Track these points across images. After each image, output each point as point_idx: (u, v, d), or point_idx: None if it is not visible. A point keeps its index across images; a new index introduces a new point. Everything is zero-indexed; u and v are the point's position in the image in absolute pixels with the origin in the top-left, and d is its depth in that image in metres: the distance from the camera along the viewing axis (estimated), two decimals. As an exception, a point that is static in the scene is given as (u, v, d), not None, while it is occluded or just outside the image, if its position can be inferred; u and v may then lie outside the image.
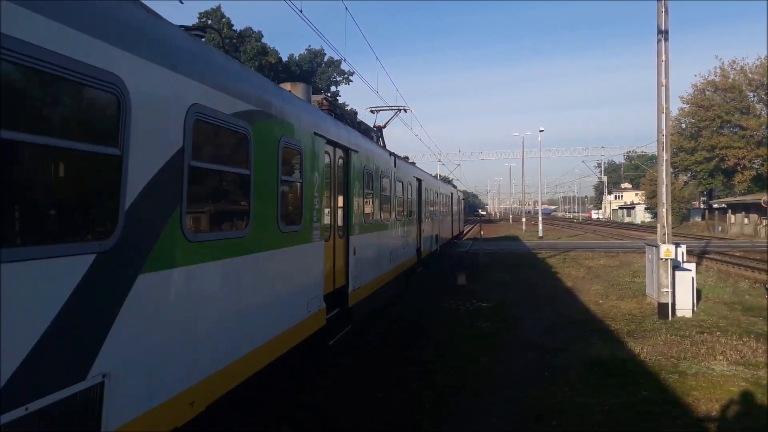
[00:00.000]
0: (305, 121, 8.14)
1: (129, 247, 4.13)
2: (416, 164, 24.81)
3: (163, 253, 4.55)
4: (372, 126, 17.66)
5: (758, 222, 54.48)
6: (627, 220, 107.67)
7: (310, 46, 74.23)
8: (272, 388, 7.59)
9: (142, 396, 4.25)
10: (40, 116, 3.62)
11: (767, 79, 60.73)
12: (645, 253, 16.98)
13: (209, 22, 58.91)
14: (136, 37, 4.30)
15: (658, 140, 15.08)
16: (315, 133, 8.50)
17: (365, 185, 11.92)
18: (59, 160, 3.77)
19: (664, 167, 14.81)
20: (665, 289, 14.14)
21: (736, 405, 8.10)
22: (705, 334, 12.29)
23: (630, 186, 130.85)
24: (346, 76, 70.32)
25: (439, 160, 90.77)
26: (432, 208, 25.34)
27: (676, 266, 14.80)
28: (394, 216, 15.49)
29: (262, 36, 61.01)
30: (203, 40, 6.06)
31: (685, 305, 14.39)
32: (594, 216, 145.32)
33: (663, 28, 14.59)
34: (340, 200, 10.21)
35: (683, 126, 69.69)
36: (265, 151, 6.57)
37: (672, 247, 14.39)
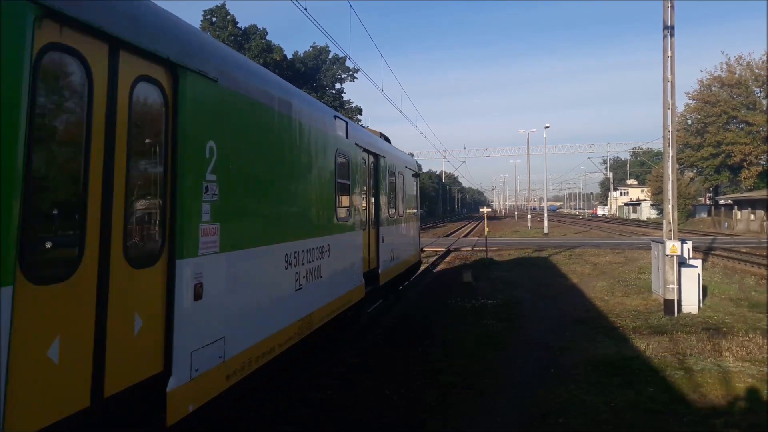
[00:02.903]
0: None
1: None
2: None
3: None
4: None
5: (765, 218, 54.21)
6: (633, 216, 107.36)
7: (315, 43, 74.36)
8: (277, 386, 7.60)
9: None
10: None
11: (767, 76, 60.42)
12: (651, 249, 16.93)
13: (214, 19, 58.96)
14: None
15: (663, 136, 15.03)
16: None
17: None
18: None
19: (669, 163, 14.76)
20: (671, 286, 14.11)
21: (742, 401, 8.08)
22: (711, 330, 12.25)
23: (636, 182, 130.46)
24: (350, 73, 70.31)
25: (444, 157, 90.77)
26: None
27: (682, 263, 14.76)
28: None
29: (267, 33, 61.06)
30: None
31: (691, 302, 14.36)
32: (599, 213, 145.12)
33: (669, 23, 14.52)
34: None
35: (689, 122, 69.37)
36: None
37: (678, 244, 14.35)
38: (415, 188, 17.83)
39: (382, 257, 12.26)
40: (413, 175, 17.42)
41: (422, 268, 24.45)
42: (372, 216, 11.71)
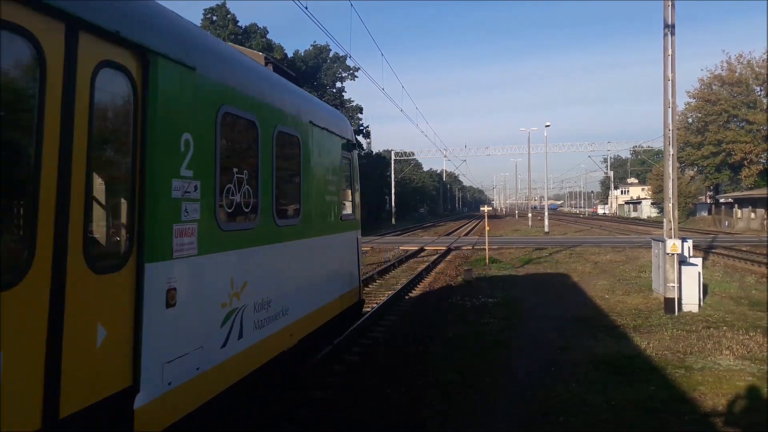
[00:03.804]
0: None
1: None
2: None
3: None
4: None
5: (765, 217, 54.20)
6: (633, 215, 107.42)
7: (315, 42, 74.37)
8: (277, 384, 7.60)
9: None
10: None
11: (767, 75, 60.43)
12: (651, 248, 16.94)
13: (214, 18, 58.95)
14: None
15: (664, 135, 15.03)
16: None
17: None
18: None
19: (670, 162, 14.76)
20: (671, 284, 14.11)
21: (742, 400, 8.09)
22: (711, 328, 12.26)
23: (636, 181, 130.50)
24: (351, 72, 70.31)
25: (445, 156, 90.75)
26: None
27: (683, 261, 14.76)
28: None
29: (268, 32, 61.06)
30: None
31: (691, 300, 14.36)
32: (600, 211, 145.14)
33: (669, 22, 14.51)
34: None
35: (690, 121, 69.34)
36: None
37: (678, 242, 14.35)
38: (350, 170, 9.92)
39: (160, 347, 4.47)
40: (344, 148, 9.46)
41: (420, 268, 24.39)
42: (120, 233, 4.36)
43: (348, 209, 9.86)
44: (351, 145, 9.91)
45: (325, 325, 8.37)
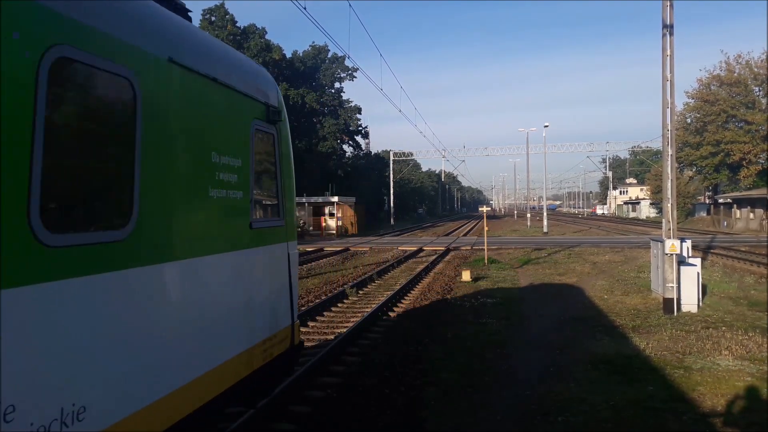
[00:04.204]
0: None
1: None
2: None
3: None
4: None
5: (764, 217, 54.26)
6: (632, 215, 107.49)
7: (314, 42, 74.40)
8: (275, 383, 7.59)
9: None
10: None
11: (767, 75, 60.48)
12: (650, 248, 16.95)
13: (213, 18, 58.92)
14: None
15: (663, 135, 15.03)
16: None
17: None
18: None
19: (669, 162, 14.76)
20: (670, 285, 14.12)
21: (741, 400, 8.09)
22: (710, 329, 12.27)
23: (635, 181, 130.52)
24: (350, 72, 70.32)
25: (444, 157, 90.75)
26: None
27: (682, 261, 14.77)
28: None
29: (266, 32, 61.04)
30: None
31: (690, 300, 14.37)
32: (599, 211, 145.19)
33: (668, 22, 14.52)
34: None
35: (689, 121, 69.36)
36: None
37: (677, 242, 14.36)
38: (275, 151, 6.26)
39: None
40: (261, 116, 5.88)
41: (419, 268, 24.37)
42: None
43: (270, 211, 6.40)
44: (274, 113, 6.25)
45: (215, 400, 4.88)
